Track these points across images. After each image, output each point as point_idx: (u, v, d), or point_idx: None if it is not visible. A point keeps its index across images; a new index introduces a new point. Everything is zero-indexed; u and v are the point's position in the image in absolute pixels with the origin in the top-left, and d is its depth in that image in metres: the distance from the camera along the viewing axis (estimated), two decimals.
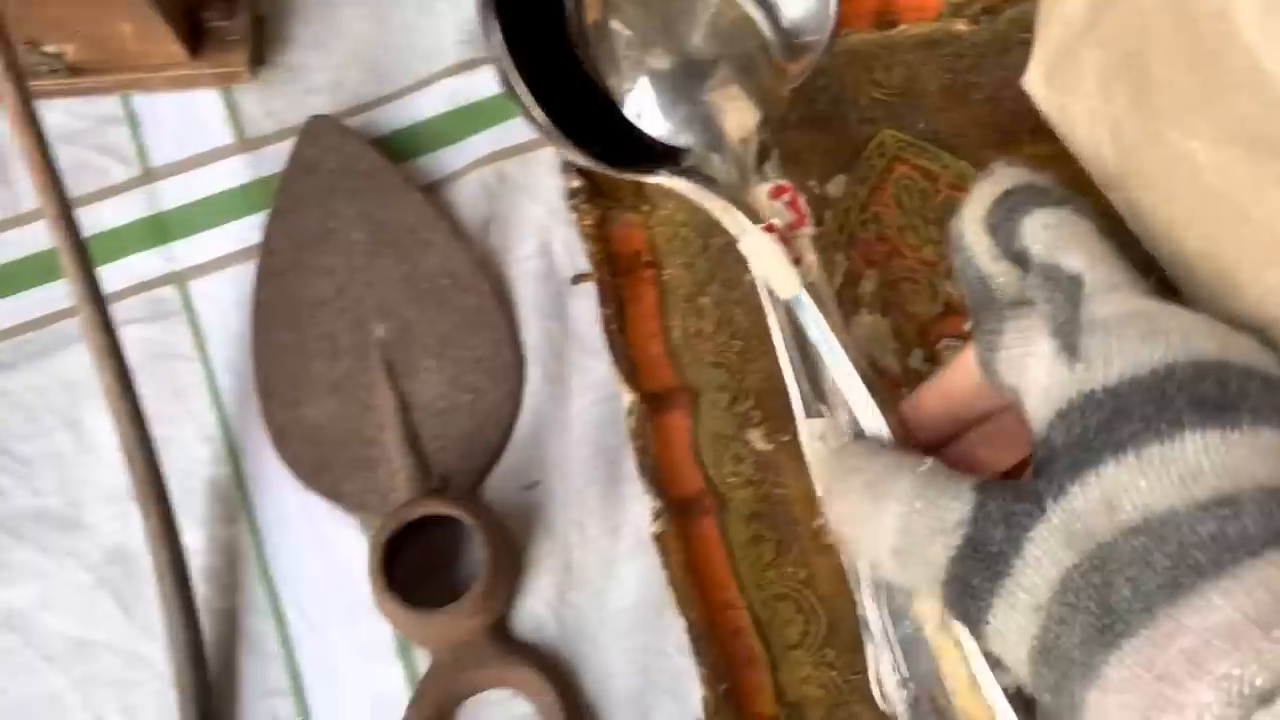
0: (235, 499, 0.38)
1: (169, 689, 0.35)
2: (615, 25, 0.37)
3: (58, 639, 0.36)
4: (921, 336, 0.39)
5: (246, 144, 0.42)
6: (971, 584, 0.24)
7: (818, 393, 0.33)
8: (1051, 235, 0.27)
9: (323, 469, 0.38)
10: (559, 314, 0.40)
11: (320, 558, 0.37)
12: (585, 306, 0.40)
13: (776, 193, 0.37)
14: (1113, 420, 0.23)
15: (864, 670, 0.32)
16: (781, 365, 0.34)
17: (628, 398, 0.37)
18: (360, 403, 0.38)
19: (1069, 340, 0.25)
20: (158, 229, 0.41)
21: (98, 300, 0.34)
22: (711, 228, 0.41)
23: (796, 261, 0.33)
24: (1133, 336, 0.25)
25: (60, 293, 0.39)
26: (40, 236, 0.40)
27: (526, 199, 0.41)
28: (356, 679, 0.36)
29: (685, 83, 0.38)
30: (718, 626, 0.36)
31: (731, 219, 0.36)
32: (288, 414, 0.38)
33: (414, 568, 0.35)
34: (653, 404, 0.38)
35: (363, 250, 0.40)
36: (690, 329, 0.39)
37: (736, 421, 0.38)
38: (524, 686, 0.35)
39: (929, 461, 0.27)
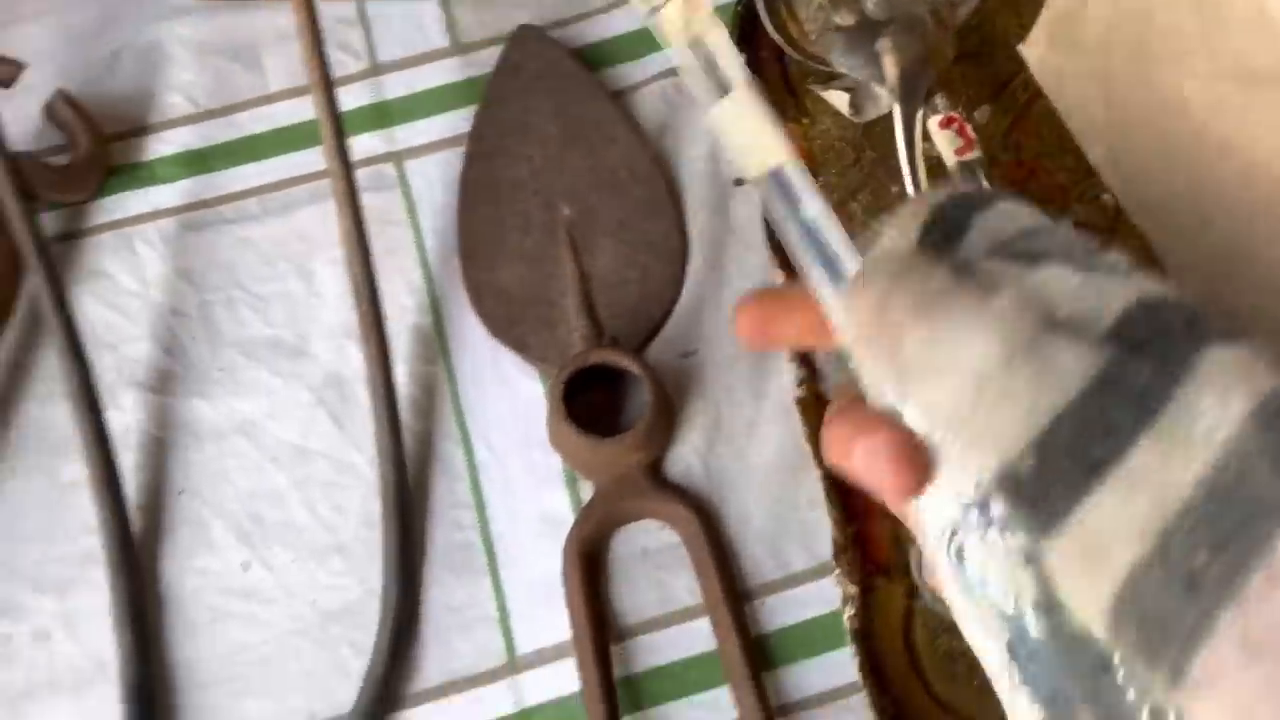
0: (435, 343, 0.44)
1: (371, 493, 0.41)
2: None
3: (281, 445, 0.42)
4: None
5: (460, 48, 0.48)
6: (1112, 422, 0.20)
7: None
8: (1030, 215, 0.25)
9: (511, 324, 0.43)
10: (722, 211, 0.45)
11: (504, 398, 0.43)
12: (745, 206, 0.45)
13: (946, 123, 0.42)
14: (1196, 318, 0.21)
15: None
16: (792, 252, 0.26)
17: (781, 282, 0.42)
18: (546, 270, 0.44)
19: (1113, 263, 0.23)
20: (381, 115, 0.47)
21: (346, 162, 0.41)
22: (863, 143, 0.45)
23: None
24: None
25: (298, 160, 0.46)
26: (282, 113, 0.47)
27: (699, 110, 0.47)
28: (529, 500, 0.41)
29: (861, 37, 0.43)
30: (846, 481, 0.40)
31: None
32: (484, 275, 0.44)
33: (583, 414, 0.41)
34: None
35: (556, 142, 0.46)
36: None
37: None
38: (673, 519, 0.40)
39: None
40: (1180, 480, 0.19)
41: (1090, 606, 0.20)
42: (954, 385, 0.21)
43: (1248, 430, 0.19)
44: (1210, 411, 0.20)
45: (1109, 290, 0.22)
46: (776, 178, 0.26)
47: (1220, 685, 0.18)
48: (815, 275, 0.25)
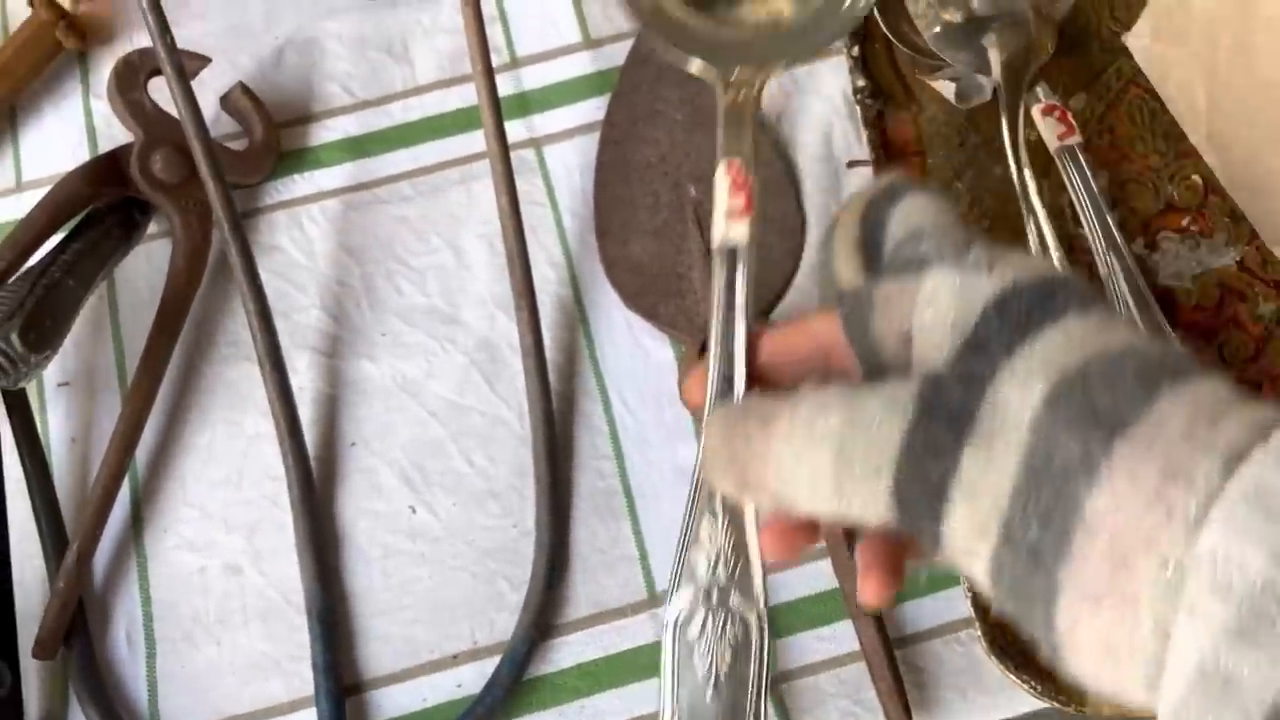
0: (574, 311, 0.48)
1: (521, 444, 0.46)
2: None
3: (439, 400, 0.47)
4: (1144, 229, 0.47)
5: (591, 42, 0.52)
6: (937, 444, 0.23)
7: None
8: (922, 207, 0.28)
9: (643, 294, 0.48)
10: (835, 190, 0.49)
11: (638, 360, 0.47)
12: (856, 186, 0.49)
13: (1048, 110, 0.46)
14: (1045, 301, 0.24)
15: None
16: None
17: None
18: (674, 245, 0.48)
19: (974, 256, 0.26)
20: (521, 104, 0.51)
21: (504, 146, 0.45)
22: (967, 127, 0.49)
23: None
24: (1030, 260, 0.26)
25: (446, 146, 0.51)
26: (431, 103, 0.52)
27: (813, 98, 0.51)
28: (662, 451, 0.46)
29: (969, 31, 0.46)
30: None
31: None
32: (618, 250, 0.48)
33: None
34: None
35: (683, 127, 0.50)
36: None
37: None
38: None
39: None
40: (1005, 471, 0.22)
41: (985, 591, 0.24)
42: (805, 493, 0.25)
43: (1046, 409, 0.22)
44: (1014, 403, 0.23)
45: (969, 293, 0.25)
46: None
47: (1079, 632, 0.22)
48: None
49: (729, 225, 0.33)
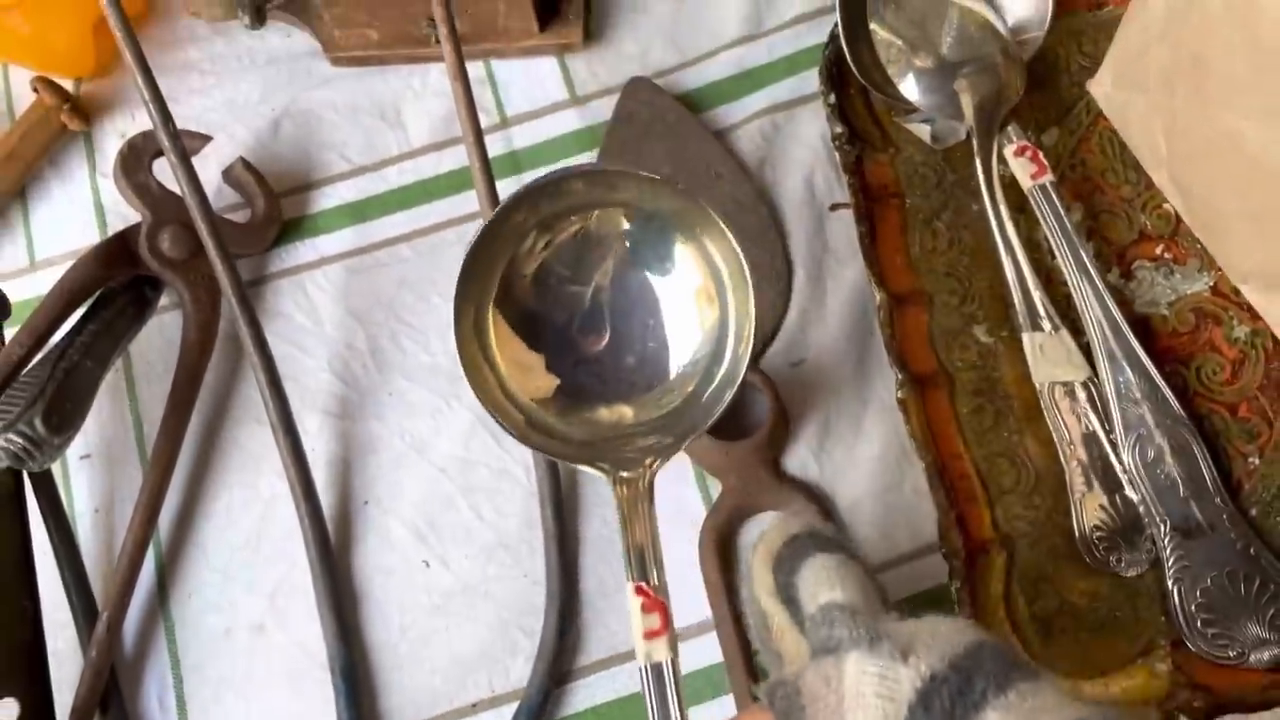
0: None
1: (528, 496, 0.47)
2: (885, 35, 0.48)
3: (447, 456, 0.49)
4: (1119, 258, 0.48)
5: (577, 100, 0.54)
6: None
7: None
8: (830, 574, 0.31)
9: None
10: (820, 233, 0.51)
11: None
12: (839, 228, 0.51)
13: (1020, 151, 0.47)
14: (963, 688, 0.27)
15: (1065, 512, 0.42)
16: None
17: (878, 295, 0.47)
18: None
19: (888, 647, 0.28)
20: (513, 163, 0.53)
21: (495, 203, 0.47)
22: (944, 167, 0.51)
23: None
24: (937, 631, 0.28)
25: (441, 208, 0.53)
26: (426, 166, 0.54)
27: (793, 143, 0.52)
28: (664, 498, 0.46)
29: (940, 77, 0.48)
30: (947, 471, 0.46)
31: None
32: None
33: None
34: (897, 302, 0.48)
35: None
36: (927, 245, 0.49)
37: (964, 319, 0.48)
38: (794, 508, 0.46)
39: None
40: None
41: None
42: None
43: None
44: None
45: (892, 689, 0.27)
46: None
47: None
48: None
49: (649, 646, 0.34)
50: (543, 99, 0.54)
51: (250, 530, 0.48)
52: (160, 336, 0.51)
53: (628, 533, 0.36)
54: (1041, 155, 0.47)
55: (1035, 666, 0.28)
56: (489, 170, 0.47)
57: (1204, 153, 0.39)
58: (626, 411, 0.39)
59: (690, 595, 0.45)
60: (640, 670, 0.33)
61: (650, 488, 0.37)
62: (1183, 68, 0.39)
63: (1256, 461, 0.43)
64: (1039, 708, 0.26)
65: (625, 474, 0.37)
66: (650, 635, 0.34)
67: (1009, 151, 0.47)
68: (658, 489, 0.48)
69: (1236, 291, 0.47)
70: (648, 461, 0.37)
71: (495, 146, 0.53)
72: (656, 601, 0.34)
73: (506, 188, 0.52)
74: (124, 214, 0.53)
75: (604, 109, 0.53)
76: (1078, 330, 0.46)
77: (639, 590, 0.35)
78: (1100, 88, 0.46)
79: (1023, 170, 0.47)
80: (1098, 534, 0.43)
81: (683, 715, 0.33)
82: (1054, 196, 0.46)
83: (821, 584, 0.31)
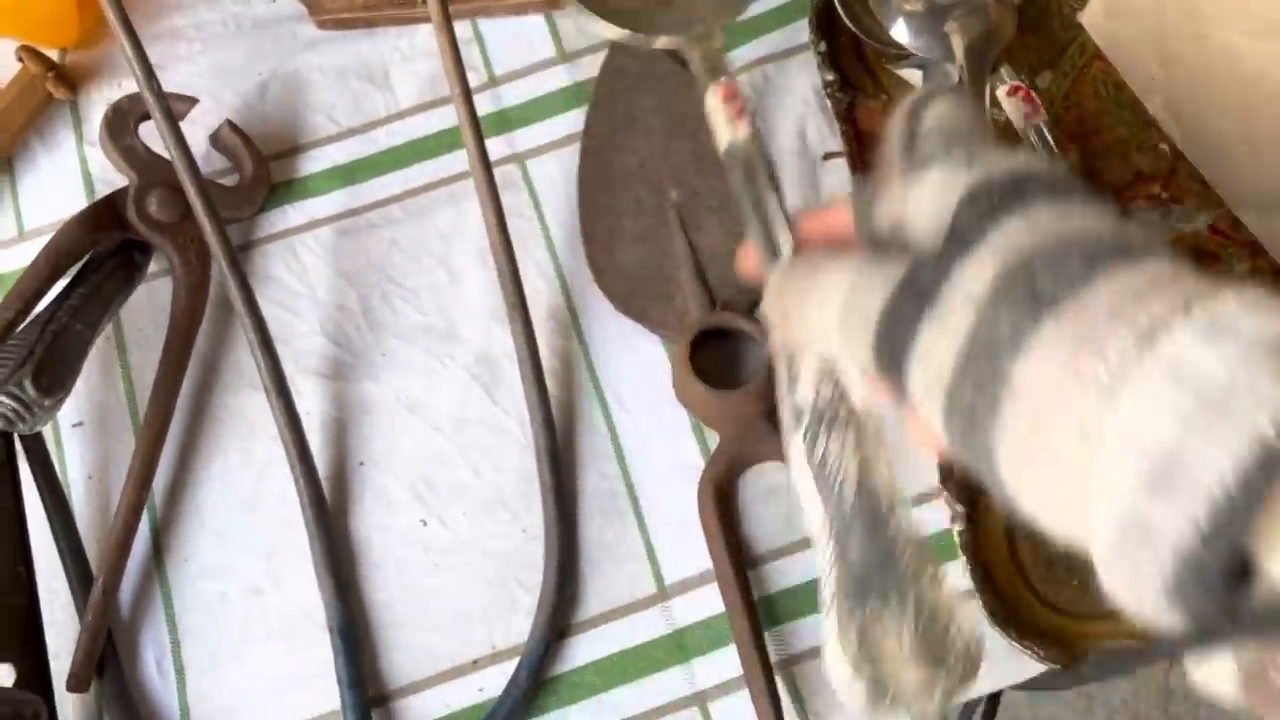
0: (568, 320, 0.49)
1: (524, 452, 0.47)
2: None
3: (443, 415, 0.48)
4: (1116, 199, 0.48)
5: (565, 56, 0.54)
6: (904, 314, 0.27)
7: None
8: (938, 115, 0.31)
9: (632, 297, 0.49)
10: (812, 181, 0.50)
11: (633, 363, 0.48)
12: (832, 178, 0.50)
13: (1013, 91, 0.47)
14: (1014, 192, 0.27)
15: None
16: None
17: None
18: (660, 248, 0.49)
19: (960, 157, 0.29)
20: (502, 121, 0.53)
21: (487, 165, 0.47)
22: None
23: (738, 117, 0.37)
24: (1005, 152, 0.29)
25: (431, 168, 0.52)
26: (415, 126, 0.53)
27: (785, 94, 0.52)
28: (663, 450, 0.47)
29: (930, 20, 0.48)
30: None
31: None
32: (605, 257, 0.50)
33: (704, 373, 0.46)
34: None
35: (660, 133, 0.51)
36: None
37: None
38: None
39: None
40: (953, 343, 0.26)
41: (933, 434, 0.27)
42: (820, 334, 0.30)
43: (994, 289, 0.25)
44: (969, 284, 0.26)
45: (949, 186, 0.28)
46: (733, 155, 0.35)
47: (1017, 483, 0.25)
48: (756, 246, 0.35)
49: (731, 129, 0.36)
50: (531, 56, 0.54)
51: (246, 493, 0.48)
52: (151, 302, 0.51)
53: (705, 72, 0.38)
54: (1035, 96, 0.46)
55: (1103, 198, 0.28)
56: (478, 129, 0.46)
57: (1200, 75, 0.39)
58: None
59: (690, 546, 0.45)
60: (723, 157, 0.36)
61: (720, 49, 0.39)
62: None
63: None
64: (1077, 214, 0.26)
65: (695, 32, 0.39)
66: (732, 120, 0.36)
67: (1002, 93, 0.47)
68: (651, 443, 0.47)
69: (1235, 227, 0.46)
70: (716, 23, 0.40)
71: (484, 105, 0.53)
72: (735, 93, 0.37)
73: (496, 146, 0.52)
74: (112, 182, 0.52)
75: (593, 65, 0.53)
76: None
77: (719, 87, 0.37)
78: (1093, 19, 0.46)
79: (1016, 111, 0.46)
80: None
81: (778, 191, 0.35)
82: (1047, 135, 0.46)
83: (932, 116, 0.31)
